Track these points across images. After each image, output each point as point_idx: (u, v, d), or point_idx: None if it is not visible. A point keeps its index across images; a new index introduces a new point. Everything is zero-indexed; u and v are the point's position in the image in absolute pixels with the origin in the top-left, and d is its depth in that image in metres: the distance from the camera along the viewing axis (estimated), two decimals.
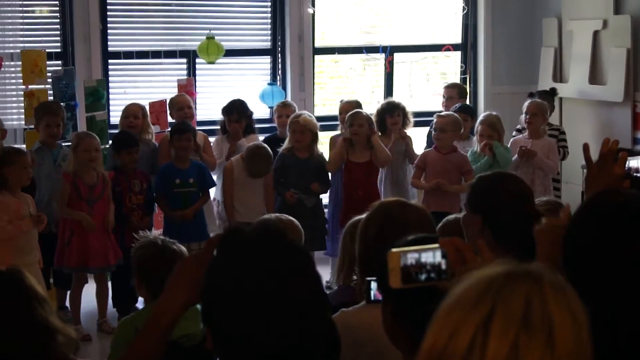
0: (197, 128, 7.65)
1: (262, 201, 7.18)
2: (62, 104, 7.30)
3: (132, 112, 7.43)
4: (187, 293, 1.96)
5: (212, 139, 7.80)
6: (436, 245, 1.82)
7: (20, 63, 7.48)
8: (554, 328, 1.35)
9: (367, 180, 7.32)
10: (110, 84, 8.26)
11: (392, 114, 7.71)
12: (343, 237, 3.60)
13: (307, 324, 1.76)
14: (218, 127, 7.92)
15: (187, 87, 8.20)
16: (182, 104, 7.72)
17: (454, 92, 8.41)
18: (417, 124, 8.13)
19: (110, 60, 8.37)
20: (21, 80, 7.49)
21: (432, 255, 1.80)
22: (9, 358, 2.23)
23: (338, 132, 7.96)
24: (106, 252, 6.74)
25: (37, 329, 2.25)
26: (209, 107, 7.99)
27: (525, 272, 1.42)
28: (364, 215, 3.10)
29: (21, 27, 7.79)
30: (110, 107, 8.09)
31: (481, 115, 7.60)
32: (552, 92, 8.32)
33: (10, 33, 7.71)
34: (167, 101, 7.92)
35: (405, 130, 7.82)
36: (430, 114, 7.88)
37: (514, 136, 7.83)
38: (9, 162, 6.17)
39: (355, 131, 7.28)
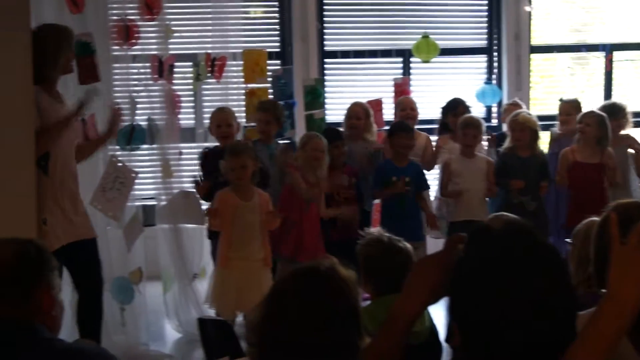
0: (416, 127, 7.66)
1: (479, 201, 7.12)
2: (280, 102, 7.44)
3: (354, 113, 7.46)
4: (425, 293, 1.98)
5: (433, 138, 7.79)
6: None
7: (242, 62, 7.67)
8: None
9: (595, 182, 7.11)
10: (326, 83, 8.38)
11: (617, 116, 7.49)
12: (574, 239, 3.52)
13: (556, 324, 1.74)
14: (435, 126, 7.90)
15: (403, 86, 8.24)
16: (406, 105, 7.76)
17: None
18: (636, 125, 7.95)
19: (326, 60, 8.50)
20: (242, 80, 7.67)
21: None
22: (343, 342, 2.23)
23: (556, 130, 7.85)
24: (316, 252, 6.78)
25: (357, 314, 2.26)
26: (424, 106, 7.96)
27: None
28: (594, 217, 3.06)
29: (243, 27, 7.98)
30: (327, 106, 8.19)
31: None
32: None
33: (233, 34, 7.90)
34: (383, 100, 7.96)
35: (625, 131, 7.63)
36: None
37: None
38: (224, 157, 6.23)
39: (582, 129, 7.13)
